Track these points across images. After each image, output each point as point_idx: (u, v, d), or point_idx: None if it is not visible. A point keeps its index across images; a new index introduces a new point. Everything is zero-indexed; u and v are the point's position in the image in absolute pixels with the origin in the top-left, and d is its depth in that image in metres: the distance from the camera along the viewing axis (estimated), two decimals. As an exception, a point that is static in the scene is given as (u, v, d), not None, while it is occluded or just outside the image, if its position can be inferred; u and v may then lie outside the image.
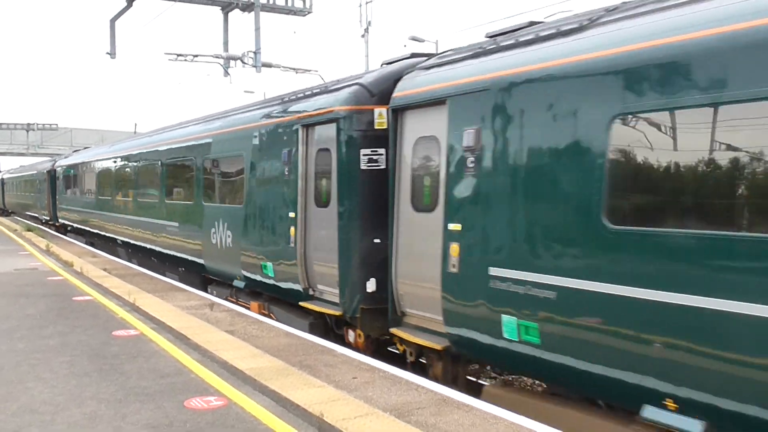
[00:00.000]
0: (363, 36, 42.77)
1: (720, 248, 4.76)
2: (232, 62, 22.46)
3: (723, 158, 4.83)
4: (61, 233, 30.10)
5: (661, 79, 5.22)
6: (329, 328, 9.97)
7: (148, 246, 17.68)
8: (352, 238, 9.04)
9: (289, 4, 23.67)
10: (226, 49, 22.75)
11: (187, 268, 15.27)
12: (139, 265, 18.00)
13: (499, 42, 7.33)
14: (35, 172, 39.85)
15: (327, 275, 9.57)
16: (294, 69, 24.41)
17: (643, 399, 5.32)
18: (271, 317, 11.09)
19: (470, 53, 7.67)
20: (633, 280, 5.33)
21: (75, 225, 27.51)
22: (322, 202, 9.72)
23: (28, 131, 67.30)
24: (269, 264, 10.94)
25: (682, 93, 5.05)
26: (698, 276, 4.88)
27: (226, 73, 22.46)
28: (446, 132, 7.49)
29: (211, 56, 22.14)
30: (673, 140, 5.19)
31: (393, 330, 8.42)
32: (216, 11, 24.29)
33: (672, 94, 5.12)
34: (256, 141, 11.54)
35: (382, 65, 9.94)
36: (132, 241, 19.36)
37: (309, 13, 23.36)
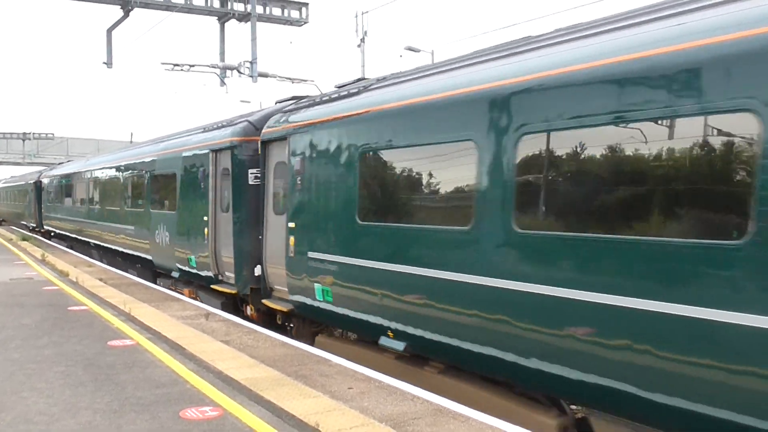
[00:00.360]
0: (359, 46, 42.99)
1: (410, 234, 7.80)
2: (228, 72, 22.50)
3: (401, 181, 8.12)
4: (47, 238, 33.25)
5: (380, 129, 8.38)
6: (237, 305, 13.01)
7: (113, 247, 20.96)
8: (242, 235, 12.06)
9: (286, 14, 23.76)
10: (222, 59, 22.80)
11: (141, 264, 18.38)
12: (109, 264, 21.01)
13: (316, 99, 10.72)
14: (24, 183, 43.23)
15: (228, 264, 12.63)
16: (290, 79, 24.44)
17: (380, 333, 8.30)
18: (197, 299, 14.15)
19: (303, 105, 10.90)
20: (370, 255, 8.41)
21: (57, 231, 31.23)
22: (225, 208, 12.77)
23: (24, 140, 67.22)
24: (193, 257, 14.12)
25: (388, 139, 8.23)
26: (417, 253, 7.64)
27: (223, 83, 22.48)
28: (288, 159, 10.51)
29: (208, 66, 22.17)
30: (391, 169, 8.24)
31: (264, 301, 11.46)
32: (213, 21, 24.40)
33: (386, 140, 8.28)
34: (183, 161, 14.77)
35: (275, 103, 13.22)
36: (102, 243, 22.59)
37: (305, 23, 23.43)
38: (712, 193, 4.80)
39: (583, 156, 5.75)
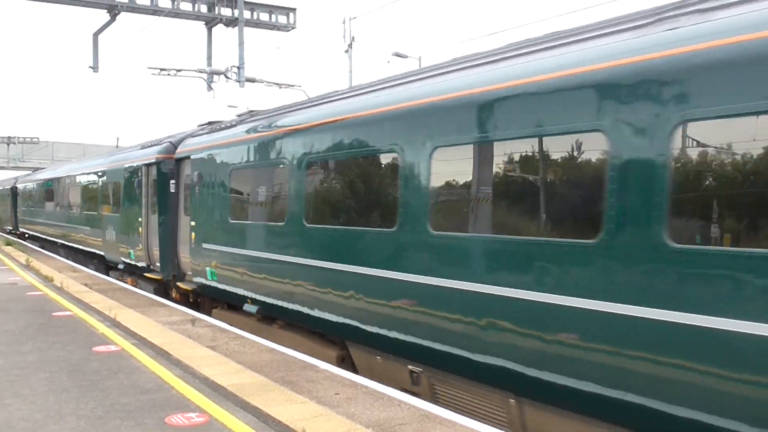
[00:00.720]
0: (347, 51, 43.03)
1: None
2: (215, 77, 22.44)
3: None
4: (22, 239, 36.53)
5: (241, 154, 11.57)
6: (167, 291, 15.80)
7: (75, 245, 24.29)
8: (165, 233, 15.14)
9: (273, 19, 23.74)
10: (209, 64, 22.73)
11: (97, 260, 21.32)
12: (72, 260, 23.59)
13: (214, 127, 14.06)
14: (1, 188, 47.33)
15: (157, 256, 15.52)
16: (278, 84, 24.42)
17: (243, 300, 11.39)
18: (137, 286, 16.90)
19: (202, 132, 14.41)
20: (234, 244, 11.58)
21: (30, 232, 35.05)
22: (153, 211, 15.72)
23: (8, 144, 66.57)
24: (132, 251, 17.13)
25: (247, 161, 11.44)
26: (259, 241, 10.82)
27: (210, 88, 22.42)
28: (191, 173, 13.80)
29: (195, 71, 22.10)
30: (249, 183, 11.49)
31: (178, 284, 14.74)
32: (200, 26, 24.32)
33: (245, 162, 11.49)
34: (124, 173, 17.91)
35: (197, 126, 16.17)
36: (66, 243, 25.86)
37: (293, 28, 23.42)
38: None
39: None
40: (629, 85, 5.23)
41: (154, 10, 21.37)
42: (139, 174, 16.53)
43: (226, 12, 22.77)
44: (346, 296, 8.49)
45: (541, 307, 5.87)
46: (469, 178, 6.88)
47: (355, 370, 8.69)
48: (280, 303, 10.17)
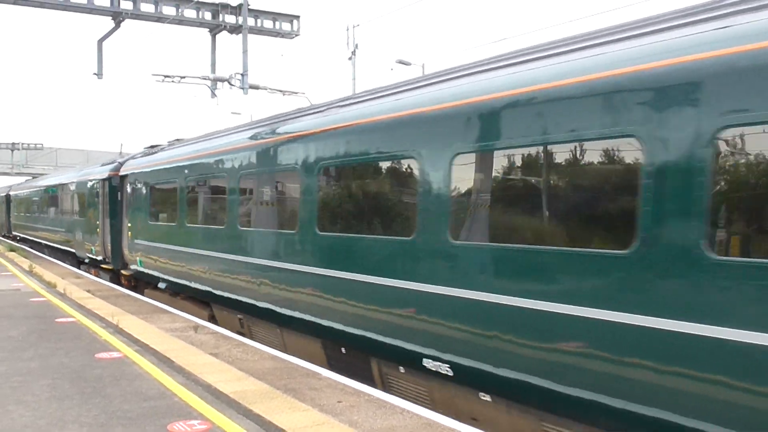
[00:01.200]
0: (350, 59, 43.11)
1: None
2: (219, 84, 22.50)
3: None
4: (15, 242, 41.22)
5: (159, 175, 15.78)
6: (118, 278, 19.73)
7: (52, 244, 29.46)
8: (114, 232, 19.28)
9: (277, 26, 23.81)
10: (213, 71, 22.78)
11: (71, 256, 25.47)
12: (51, 256, 28.83)
13: (145, 152, 18.49)
14: None
15: (109, 251, 19.67)
16: (281, 91, 24.46)
17: (158, 281, 16.00)
18: (99, 276, 20.91)
19: (138, 155, 18.85)
20: (154, 239, 15.83)
21: (22, 235, 40.41)
22: (108, 215, 19.57)
23: (12, 150, 66.78)
24: (93, 248, 21.35)
25: (163, 180, 15.48)
26: (169, 237, 14.94)
27: (213, 95, 22.47)
28: (128, 188, 18.07)
29: (199, 78, 22.15)
30: (163, 194, 15.61)
31: (122, 271, 19.04)
32: (204, 33, 24.40)
33: (161, 180, 15.64)
34: (87, 185, 21.98)
35: (143, 148, 20.29)
36: (46, 242, 31.21)
37: (297, 35, 23.47)
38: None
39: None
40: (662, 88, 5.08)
41: (159, 17, 21.45)
42: (97, 187, 20.64)
43: (230, 19, 22.85)
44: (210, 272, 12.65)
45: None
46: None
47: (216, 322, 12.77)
48: (180, 281, 14.33)
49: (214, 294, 12.51)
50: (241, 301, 11.37)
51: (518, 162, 6.28)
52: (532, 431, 6.28)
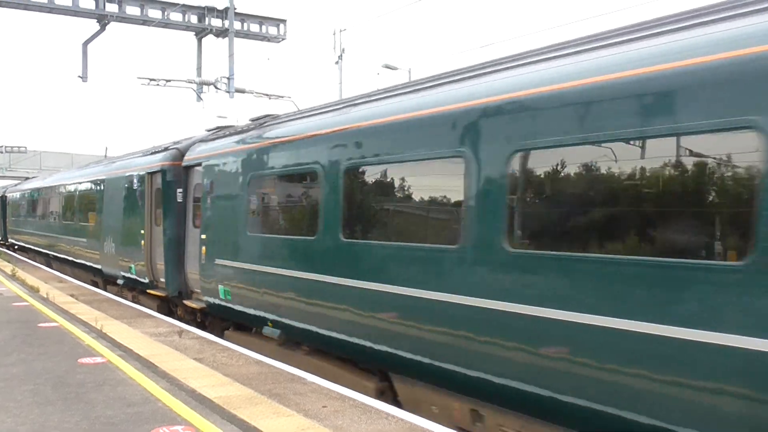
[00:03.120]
0: (337, 63, 43.12)
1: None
2: (205, 87, 22.43)
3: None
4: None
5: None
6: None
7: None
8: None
9: (264, 30, 23.78)
10: (199, 75, 22.73)
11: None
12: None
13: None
14: None
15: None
16: (267, 95, 24.42)
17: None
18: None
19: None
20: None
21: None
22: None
23: (-5, 154, 66.12)
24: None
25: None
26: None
27: (199, 99, 22.39)
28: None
29: (184, 81, 22.08)
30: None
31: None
32: (190, 36, 24.31)
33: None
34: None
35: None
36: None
37: (283, 39, 23.46)
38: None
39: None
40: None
41: (144, 20, 21.36)
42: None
43: (216, 23, 22.79)
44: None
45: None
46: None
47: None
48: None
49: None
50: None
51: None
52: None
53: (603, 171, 5.43)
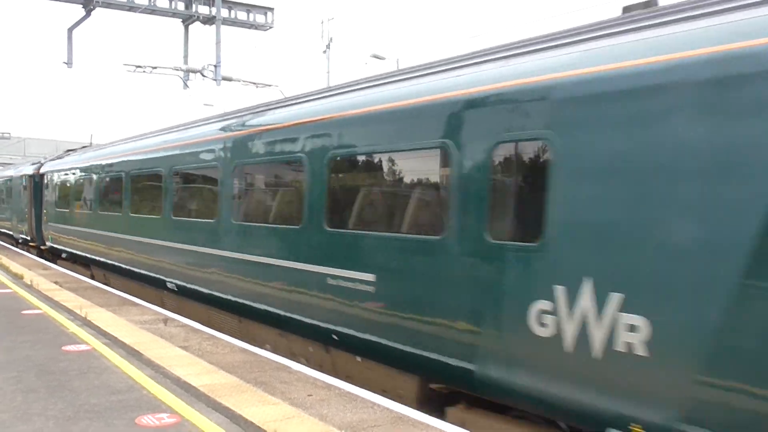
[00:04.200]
0: (324, 52, 42.94)
1: None
2: (191, 75, 22.26)
3: None
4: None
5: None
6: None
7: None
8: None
9: (251, 18, 23.62)
10: (186, 62, 22.56)
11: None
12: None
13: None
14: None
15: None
16: (254, 83, 24.29)
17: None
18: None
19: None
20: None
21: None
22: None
23: (-22, 140, 65.52)
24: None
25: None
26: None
27: (186, 86, 22.23)
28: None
29: (171, 68, 21.90)
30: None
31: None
32: (177, 23, 24.08)
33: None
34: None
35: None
36: None
37: (270, 28, 23.32)
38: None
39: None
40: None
41: (131, 7, 21.16)
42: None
43: (203, 10, 22.61)
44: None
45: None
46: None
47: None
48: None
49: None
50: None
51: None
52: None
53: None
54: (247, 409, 6.23)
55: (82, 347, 8.95)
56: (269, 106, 10.69)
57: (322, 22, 33.78)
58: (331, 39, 36.40)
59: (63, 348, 8.86)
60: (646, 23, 5.35)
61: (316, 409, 6.39)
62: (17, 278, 16.38)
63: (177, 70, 22.11)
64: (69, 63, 21.09)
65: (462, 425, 6.23)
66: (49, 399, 6.60)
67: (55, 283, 15.61)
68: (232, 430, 5.75)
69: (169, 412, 6.21)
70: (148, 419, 5.99)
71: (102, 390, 6.92)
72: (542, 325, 5.44)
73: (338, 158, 8.34)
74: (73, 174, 19.81)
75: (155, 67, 21.65)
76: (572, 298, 5.21)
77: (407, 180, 7.58)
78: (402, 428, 5.86)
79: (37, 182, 24.58)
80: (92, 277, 18.01)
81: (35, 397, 6.68)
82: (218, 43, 21.86)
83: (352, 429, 5.80)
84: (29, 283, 15.35)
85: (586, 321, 5.10)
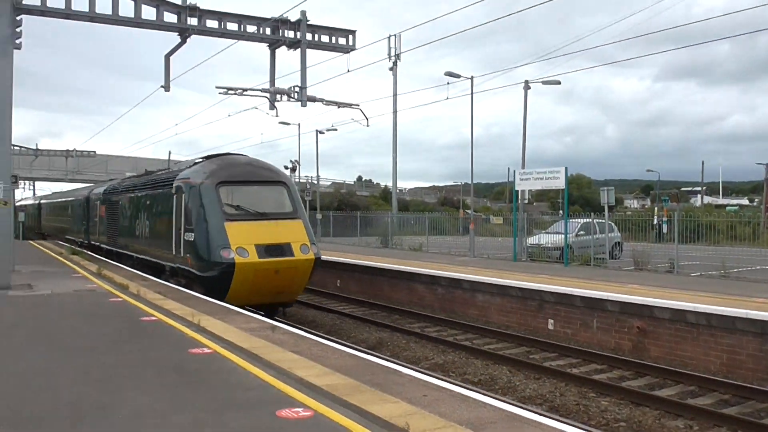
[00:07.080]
0: (391, 69, 43.77)
1: None
2: (278, 96, 23.29)
3: None
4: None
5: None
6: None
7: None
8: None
9: (333, 41, 24.56)
10: (272, 84, 23.62)
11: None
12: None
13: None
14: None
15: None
16: (336, 103, 25.24)
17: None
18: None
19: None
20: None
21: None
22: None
23: (67, 158, 69.09)
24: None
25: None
26: None
27: (273, 107, 23.29)
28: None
29: (259, 90, 23.01)
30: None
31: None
32: (253, 47, 25.27)
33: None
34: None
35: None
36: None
37: (353, 49, 24.18)
38: None
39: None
40: None
41: (222, 33, 22.36)
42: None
43: (289, 34, 23.65)
44: None
45: None
46: None
47: None
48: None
49: None
50: None
51: None
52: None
53: None
54: (372, 406, 6.84)
55: (206, 350, 9.77)
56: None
57: (389, 38, 34.61)
58: (398, 56, 37.27)
59: (189, 350, 9.70)
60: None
61: (433, 407, 6.95)
62: (123, 288, 17.55)
63: (264, 92, 23.19)
64: (166, 87, 22.42)
65: None
66: (193, 393, 7.39)
67: (158, 293, 16.67)
68: (365, 424, 6.37)
69: (303, 407, 6.88)
70: (286, 412, 6.67)
71: (237, 387, 7.67)
72: None
73: None
74: (98, 200, 31.95)
75: (245, 90, 22.80)
76: None
77: None
78: (517, 425, 6.36)
79: (85, 204, 35.69)
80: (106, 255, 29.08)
81: (181, 391, 7.48)
82: (303, 66, 22.86)
83: (472, 425, 6.34)
84: (135, 292, 16.46)
85: None
